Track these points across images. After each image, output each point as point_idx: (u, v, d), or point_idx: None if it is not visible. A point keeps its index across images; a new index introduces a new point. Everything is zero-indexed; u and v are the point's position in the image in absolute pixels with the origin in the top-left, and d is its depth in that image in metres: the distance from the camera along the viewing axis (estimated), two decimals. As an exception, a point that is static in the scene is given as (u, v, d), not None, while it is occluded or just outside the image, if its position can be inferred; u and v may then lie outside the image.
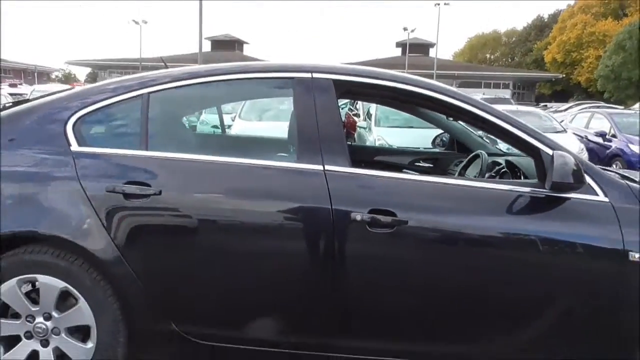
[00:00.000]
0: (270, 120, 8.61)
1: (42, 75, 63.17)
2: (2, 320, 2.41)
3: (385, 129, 8.59)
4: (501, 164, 3.13)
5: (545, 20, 66.03)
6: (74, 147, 2.47)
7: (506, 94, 42.74)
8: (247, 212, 2.43)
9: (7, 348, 2.44)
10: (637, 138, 10.33)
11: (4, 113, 2.64)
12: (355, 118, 10.79)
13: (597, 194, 2.39)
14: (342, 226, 2.32)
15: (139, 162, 2.46)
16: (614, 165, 10.13)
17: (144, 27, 48.93)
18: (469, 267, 2.39)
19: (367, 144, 8.41)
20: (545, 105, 31.56)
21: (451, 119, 3.71)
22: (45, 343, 2.43)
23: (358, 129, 9.76)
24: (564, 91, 54.71)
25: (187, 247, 2.42)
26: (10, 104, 2.79)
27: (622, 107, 19.65)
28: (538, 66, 60.77)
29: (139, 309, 2.43)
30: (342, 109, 11.00)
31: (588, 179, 2.37)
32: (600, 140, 11.14)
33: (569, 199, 2.37)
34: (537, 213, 2.41)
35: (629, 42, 37.78)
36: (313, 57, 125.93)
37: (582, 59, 50.43)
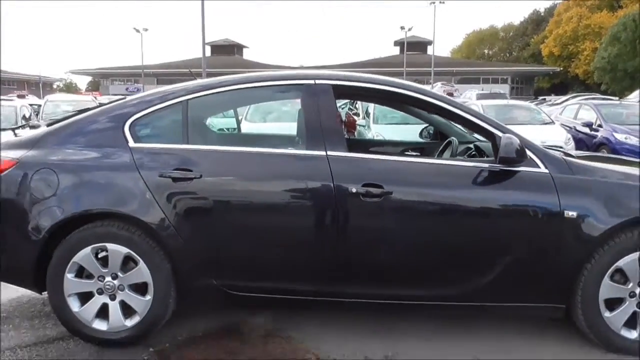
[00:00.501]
0: (273, 121, 9.35)
1: (45, 86, 63.52)
2: (79, 280, 3.09)
3: (383, 126, 9.25)
4: (472, 148, 3.80)
5: (542, 14, 66.25)
6: (131, 143, 3.14)
7: (504, 89, 43.29)
8: (268, 190, 3.10)
9: (83, 302, 3.11)
10: (621, 127, 10.99)
11: (71, 120, 3.32)
12: (355, 117, 11.40)
13: (539, 167, 3.05)
14: (341, 197, 2.99)
15: (183, 153, 3.12)
16: (602, 152, 10.74)
17: (142, 34, 49.49)
18: (442, 227, 3.04)
19: None
20: (544, 99, 31.75)
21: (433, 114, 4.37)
22: (113, 297, 3.09)
23: (358, 127, 10.41)
24: (562, 84, 54.90)
25: (224, 219, 3.08)
26: (75, 112, 3.47)
27: (617, 98, 20.06)
28: (536, 60, 61.09)
29: (186, 268, 3.09)
30: (343, 109, 11.67)
31: (532, 155, 3.04)
32: (587, 130, 11.77)
33: (518, 171, 3.03)
34: (494, 183, 3.07)
35: (624, 34, 37.92)
36: (313, 57, 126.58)
37: (578, 51, 50.72)
